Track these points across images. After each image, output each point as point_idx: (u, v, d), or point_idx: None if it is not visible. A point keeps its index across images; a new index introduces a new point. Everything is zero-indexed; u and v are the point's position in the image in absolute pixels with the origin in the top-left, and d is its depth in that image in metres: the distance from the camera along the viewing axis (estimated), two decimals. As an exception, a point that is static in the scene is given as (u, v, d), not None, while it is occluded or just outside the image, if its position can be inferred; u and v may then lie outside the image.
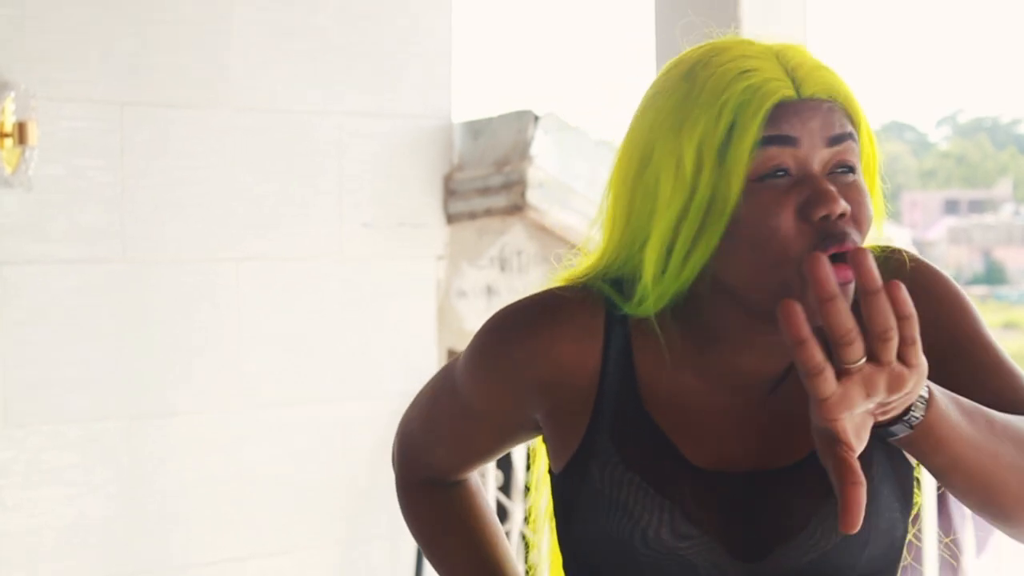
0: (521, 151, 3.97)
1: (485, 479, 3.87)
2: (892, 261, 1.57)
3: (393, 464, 1.80)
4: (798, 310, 1.28)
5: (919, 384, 1.32)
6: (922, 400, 1.36)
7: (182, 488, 3.51)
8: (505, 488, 4.15)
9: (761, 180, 1.45)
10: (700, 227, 1.47)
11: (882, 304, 1.29)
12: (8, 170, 3.23)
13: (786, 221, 1.44)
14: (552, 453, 1.59)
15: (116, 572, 3.43)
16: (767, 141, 1.44)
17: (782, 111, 1.45)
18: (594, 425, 1.54)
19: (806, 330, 1.29)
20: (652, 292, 1.50)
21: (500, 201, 3.97)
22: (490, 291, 4.02)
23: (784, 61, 1.48)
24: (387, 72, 3.83)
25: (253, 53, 3.60)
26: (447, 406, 1.68)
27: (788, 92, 1.46)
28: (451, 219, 3.97)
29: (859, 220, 1.46)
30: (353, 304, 3.77)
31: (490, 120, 4.05)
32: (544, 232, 4.09)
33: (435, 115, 3.93)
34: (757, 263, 1.45)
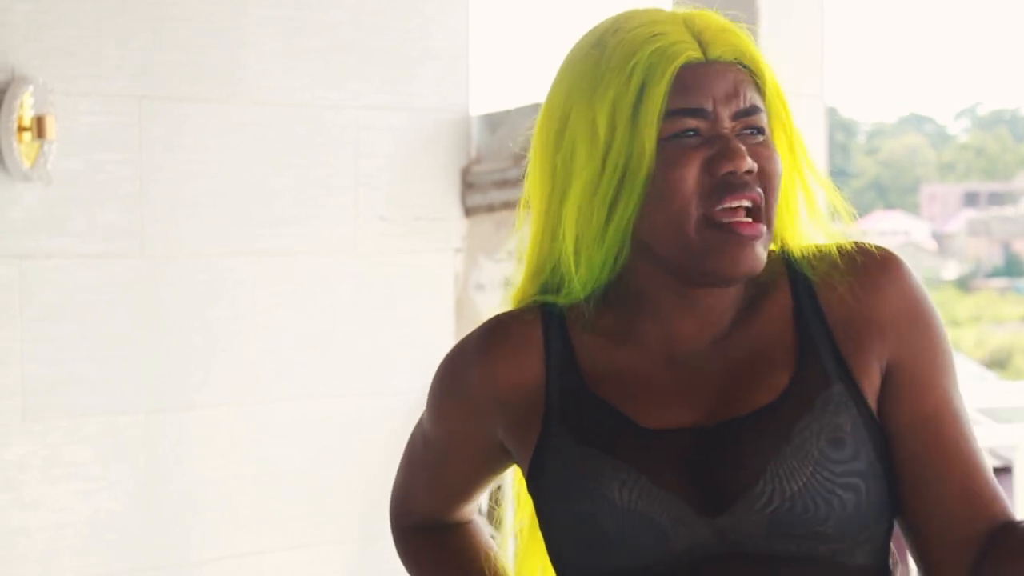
0: (539, 144, 3.96)
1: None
2: (857, 257, 1.57)
3: (389, 519, 1.85)
4: None
5: None
6: None
7: (199, 483, 3.51)
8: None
9: (671, 139, 1.50)
10: (618, 188, 1.52)
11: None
12: (27, 164, 3.23)
13: (690, 175, 1.49)
14: (521, 465, 1.63)
15: (134, 566, 3.43)
16: (677, 112, 1.50)
17: (688, 74, 1.50)
18: (546, 420, 1.58)
19: None
20: (576, 264, 1.55)
21: (518, 194, 3.95)
22: (508, 284, 4.01)
23: (691, 25, 1.53)
24: (404, 66, 3.82)
25: (270, 47, 3.60)
26: (419, 450, 1.75)
27: (694, 54, 1.51)
28: (469, 212, 3.97)
29: (768, 176, 1.51)
30: (370, 298, 3.77)
31: (508, 113, 4.04)
32: (562, 225, 4.08)
33: (452, 108, 3.93)
34: (666, 220, 1.50)
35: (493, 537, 1.83)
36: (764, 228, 1.51)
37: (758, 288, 1.58)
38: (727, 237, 1.50)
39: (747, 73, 1.53)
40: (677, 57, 1.50)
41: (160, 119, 3.44)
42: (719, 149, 1.49)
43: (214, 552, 3.54)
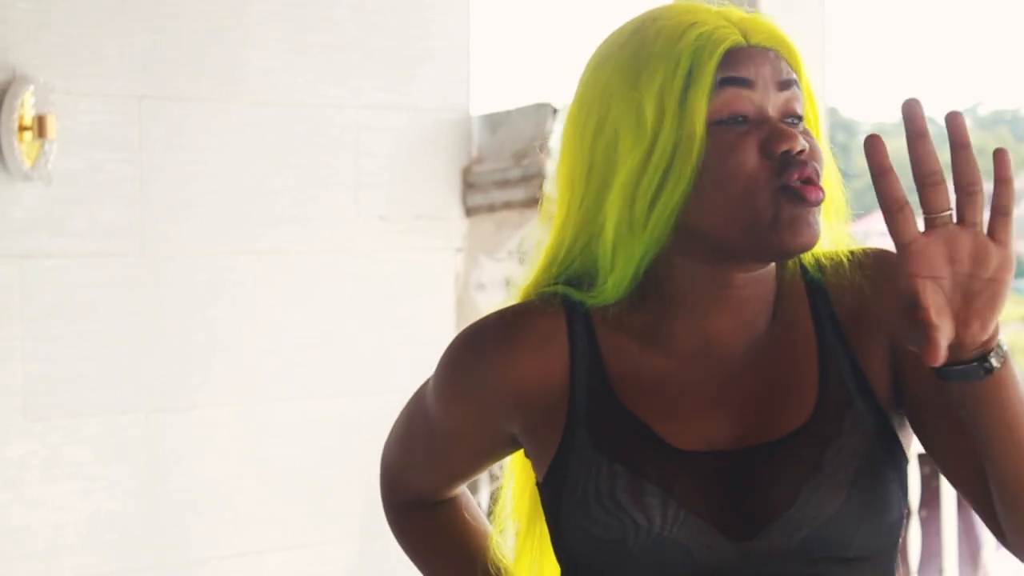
0: (540, 143, 3.96)
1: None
2: (860, 259, 1.57)
3: (380, 490, 1.80)
4: (882, 142, 1.31)
5: (1004, 270, 1.32)
6: (1000, 350, 1.35)
7: (200, 482, 3.51)
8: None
9: (721, 124, 1.48)
10: (665, 174, 1.49)
11: (970, 158, 1.30)
12: (28, 164, 3.23)
13: (751, 157, 1.47)
14: (535, 464, 1.59)
15: (135, 566, 3.43)
16: (724, 82, 1.49)
17: (734, 55, 1.50)
18: (570, 426, 1.54)
19: (888, 161, 1.31)
20: (614, 256, 1.51)
21: (519, 194, 3.97)
22: (509, 284, 4.01)
23: (727, 16, 1.53)
24: (404, 65, 3.82)
25: (270, 47, 3.60)
26: (421, 429, 1.69)
27: (738, 39, 1.50)
28: (469, 212, 3.97)
29: (817, 159, 1.50)
30: (371, 297, 3.77)
31: (509, 113, 4.04)
32: (562, 225, 4.08)
33: (453, 108, 3.92)
34: (727, 201, 1.48)
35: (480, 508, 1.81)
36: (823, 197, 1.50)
37: (780, 289, 1.57)
38: (800, 203, 1.47)
39: (784, 59, 1.53)
40: (723, 41, 1.49)
41: (160, 118, 3.44)
42: (771, 131, 1.48)
43: (214, 551, 3.53)
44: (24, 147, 3.23)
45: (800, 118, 1.51)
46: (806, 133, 1.51)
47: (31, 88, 3.22)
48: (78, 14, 3.33)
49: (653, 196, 1.49)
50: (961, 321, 1.32)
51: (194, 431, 3.50)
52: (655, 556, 1.48)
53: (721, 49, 1.49)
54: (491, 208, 3.97)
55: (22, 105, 3.22)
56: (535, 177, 3.95)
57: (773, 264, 1.55)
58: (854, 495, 1.48)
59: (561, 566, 1.58)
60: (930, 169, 1.31)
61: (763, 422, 1.51)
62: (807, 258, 1.58)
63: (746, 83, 1.49)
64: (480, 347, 1.60)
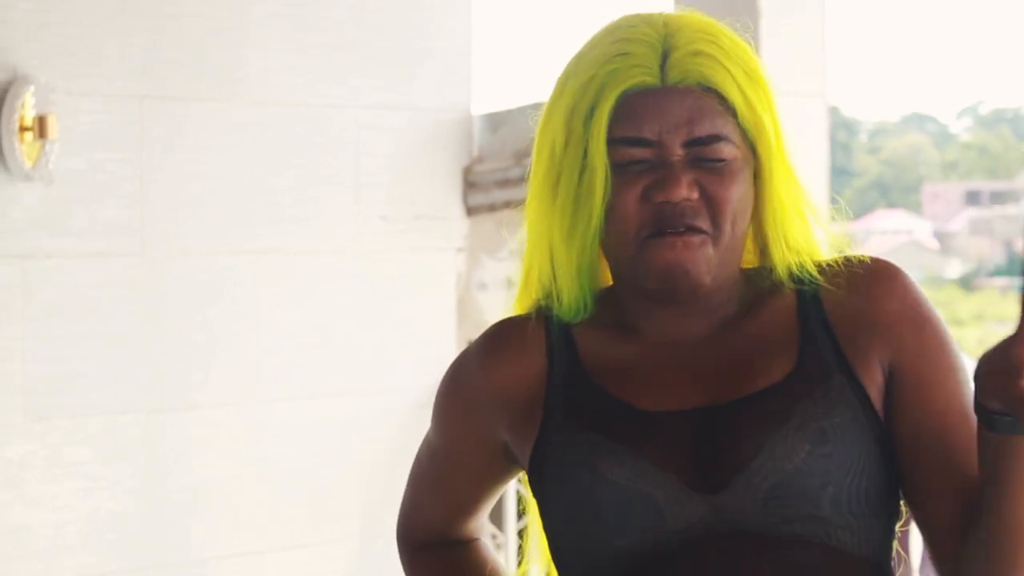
0: (540, 143, 3.96)
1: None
2: (858, 269, 1.59)
3: (396, 532, 1.83)
4: None
5: None
6: None
7: (200, 482, 3.51)
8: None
9: (620, 166, 1.52)
10: (576, 201, 1.55)
11: None
12: (28, 164, 3.23)
13: (630, 202, 1.51)
14: (520, 460, 1.64)
15: (135, 565, 3.43)
16: (619, 141, 1.52)
17: (639, 100, 1.51)
18: (548, 412, 1.59)
19: None
20: (559, 284, 1.59)
21: (520, 193, 3.93)
22: (510, 283, 4.01)
23: (667, 43, 1.52)
24: (405, 65, 3.82)
25: (271, 47, 3.60)
26: (425, 460, 1.75)
27: (649, 79, 1.51)
28: (471, 211, 3.97)
29: (716, 202, 1.52)
30: (372, 297, 3.77)
31: (509, 112, 4.04)
32: (563, 225, 4.08)
33: (454, 108, 3.92)
34: (616, 240, 1.54)
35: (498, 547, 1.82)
36: (701, 241, 1.52)
37: (760, 292, 1.60)
38: (661, 241, 1.52)
39: (712, 97, 1.52)
40: (626, 81, 1.51)
41: (161, 118, 3.44)
42: (657, 178, 1.51)
43: (214, 551, 3.53)
44: (25, 147, 3.23)
45: (718, 160, 1.52)
46: (714, 172, 1.52)
47: (32, 88, 3.22)
48: (79, 14, 3.33)
49: (571, 220, 1.55)
50: None
51: (194, 431, 3.50)
52: (626, 512, 1.51)
53: (616, 93, 1.51)
54: (492, 207, 3.97)
55: (23, 105, 3.22)
56: (536, 176, 3.94)
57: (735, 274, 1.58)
58: (822, 447, 1.50)
59: (553, 556, 1.60)
60: None
61: (734, 384, 1.55)
62: (794, 266, 1.59)
63: (637, 142, 1.52)
64: (464, 369, 1.67)
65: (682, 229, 1.51)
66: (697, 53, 1.52)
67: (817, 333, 1.56)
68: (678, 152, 1.51)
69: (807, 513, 1.50)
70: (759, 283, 1.60)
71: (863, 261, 1.59)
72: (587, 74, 1.54)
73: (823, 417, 1.51)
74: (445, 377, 1.70)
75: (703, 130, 1.51)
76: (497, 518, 4.00)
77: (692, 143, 1.51)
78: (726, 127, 1.53)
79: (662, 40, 1.52)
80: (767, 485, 1.49)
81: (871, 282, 1.57)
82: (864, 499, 1.52)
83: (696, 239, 1.51)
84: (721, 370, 1.56)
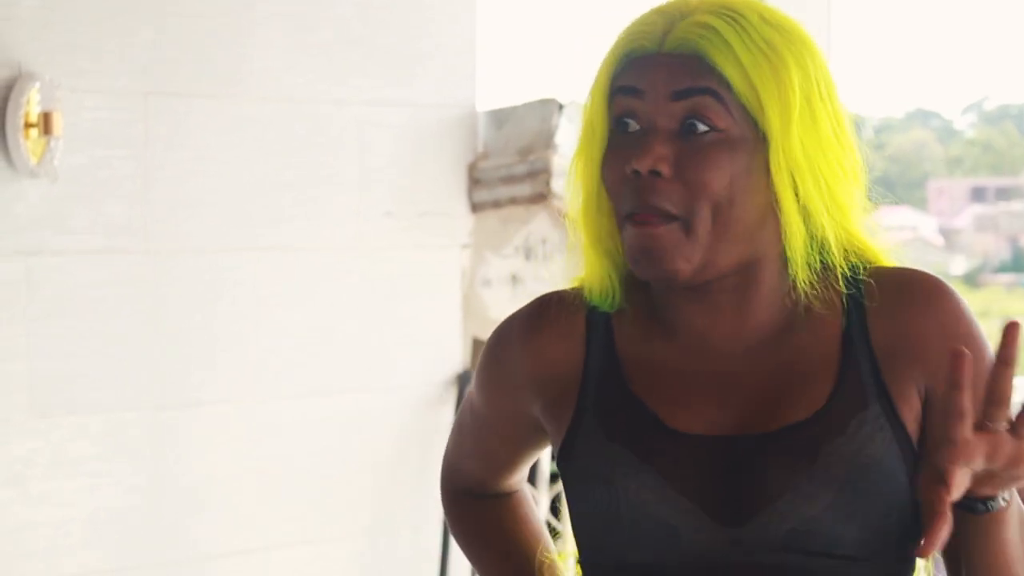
0: (546, 139, 3.95)
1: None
2: (908, 284, 1.56)
3: (440, 481, 1.86)
4: (1019, 332, 1.37)
5: None
6: (1005, 497, 1.43)
7: (205, 479, 3.51)
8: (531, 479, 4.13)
9: (616, 128, 1.52)
10: (586, 180, 1.57)
11: (1010, 376, 1.38)
12: (33, 161, 3.22)
13: (613, 171, 1.52)
14: (553, 443, 1.65)
15: (139, 562, 3.43)
16: (616, 91, 1.52)
17: (636, 63, 1.52)
18: (579, 409, 1.59)
19: (1015, 354, 1.38)
20: (589, 272, 1.59)
21: (525, 190, 3.96)
22: (515, 280, 4.00)
23: (680, 14, 1.52)
24: (409, 61, 3.81)
25: (274, 44, 3.59)
26: (468, 419, 1.76)
27: (648, 44, 1.51)
28: (475, 208, 3.96)
29: (691, 183, 1.48)
30: (377, 294, 3.76)
31: (514, 108, 4.03)
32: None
33: (459, 104, 3.92)
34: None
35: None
36: (668, 228, 1.49)
37: (807, 303, 1.55)
38: (631, 224, 1.51)
39: (705, 65, 1.49)
40: (630, 45, 1.52)
41: (165, 115, 3.44)
42: (636, 144, 1.50)
43: (219, 548, 3.53)
44: (30, 144, 3.22)
45: (708, 124, 1.48)
46: (698, 146, 1.48)
47: (36, 85, 3.22)
48: (83, 11, 3.32)
49: (584, 200, 1.57)
50: (978, 482, 1.39)
51: (198, 428, 3.49)
52: (643, 532, 1.51)
53: (618, 54, 1.53)
54: (497, 204, 3.96)
55: (28, 102, 3.22)
56: (541, 173, 3.94)
57: (760, 269, 1.54)
58: (845, 494, 1.48)
59: (575, 536, 1.62)
60: (1005, 394, 1.37)
61: (766, 412, 1.52)
62: (848, 271, 1.55)
63: (634, 91, 1.51)
64: (508, 338, 1.66)
65: (649, 211, 1.48)
66: (701, 25, 1.49)
67: (859, 356, 1.53)
68: (665, 110, 1.49)
69: (826, 552, 1.49)
70: (810, 285, 1.54)
71: (915, 276, 1.55)
72: (610, 45, 1.56)
73: (854, 456, 1.48)
74: (490, 341, 1.69)
75: (688, 82, 1.48)
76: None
77: (680, 95, 1.48)
78: (718, 89, 1.48)
79: (680, 12, 1.52)
80: (788, 527, 1.49)
81: (920, 300, 1.53)
82: (889, 537, 1.51)
83: (661, 228, 1.48)
84: (754, 395, 1.53)
